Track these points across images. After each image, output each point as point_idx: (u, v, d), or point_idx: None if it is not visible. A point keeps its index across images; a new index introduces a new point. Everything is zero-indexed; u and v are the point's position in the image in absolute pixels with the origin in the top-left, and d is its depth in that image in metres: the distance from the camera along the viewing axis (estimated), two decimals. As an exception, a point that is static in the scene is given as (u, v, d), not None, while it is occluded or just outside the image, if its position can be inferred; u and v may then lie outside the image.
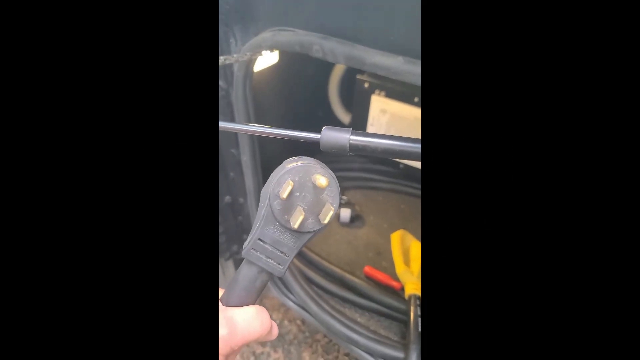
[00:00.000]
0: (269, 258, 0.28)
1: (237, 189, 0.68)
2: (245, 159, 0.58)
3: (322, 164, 0.27)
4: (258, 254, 0.28)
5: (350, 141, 0.28)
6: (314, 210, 0.27)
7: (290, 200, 0.27)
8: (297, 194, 0.27)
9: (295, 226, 0.27)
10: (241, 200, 0.69)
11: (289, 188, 0.26)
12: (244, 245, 0.29)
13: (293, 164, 0.27)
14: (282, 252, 0.28)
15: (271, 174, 0.27)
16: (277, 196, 0.26)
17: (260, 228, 0.28)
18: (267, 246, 0.28)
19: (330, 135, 0.28)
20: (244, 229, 0.75)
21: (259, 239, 0.28)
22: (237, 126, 0.33)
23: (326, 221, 0.27)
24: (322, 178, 0.25)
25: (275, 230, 0.28)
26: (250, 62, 0.47)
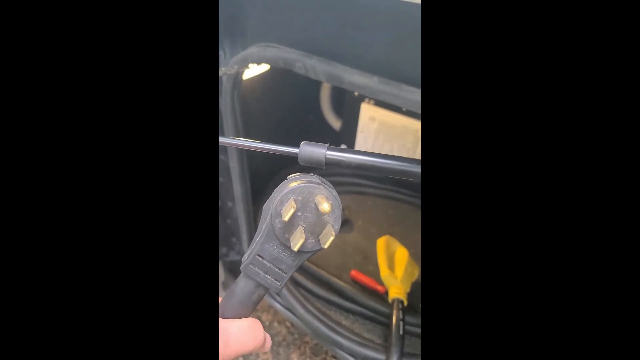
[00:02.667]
0: (267, 274, 0.28)
1: (225, 194, 0.69)
2: (234, 165, 0.60)
3: (327, 183, 0.27)
4: (256, 269, 0.28)
5: (326, 156, 0.29)
6: (315, 230, 0.27)
7: (291, 219, 0.26)
8: (299, 213, 0.26)
9: (295, 249, 0.26)
10: (229, 204, 0.71)
11: (292, 210, 0.26)
12: (242, 259, 0.29)
13: (297, 183, 0.27)
14: (280, 269, 0.28)
15: (274, 190, 0.27)
16: (279, 215, 0.26)
17: (260, 244, 0.28)
18: (265, 262, 0.28)
19: (307, 150, 0.29)
20: (232, 232, 0.77)
21: (258, 255, 0.28)
22: (219, 139, 0.35)
23: (326, 245, 0.27)
24: (325, 203, 0.25)
25: (275, 247, 0.28)
26: (238, 75, 0.48)
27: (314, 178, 0.27)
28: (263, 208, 0.28)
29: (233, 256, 0.81)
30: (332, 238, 0.26)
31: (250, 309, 0.30)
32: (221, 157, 0.64)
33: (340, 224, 0.27)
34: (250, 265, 0.28)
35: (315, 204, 0.26)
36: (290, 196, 0.26)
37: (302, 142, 0.30)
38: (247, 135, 0.62)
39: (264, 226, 0.28)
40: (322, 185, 0.27)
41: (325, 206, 0.25)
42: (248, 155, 0.62)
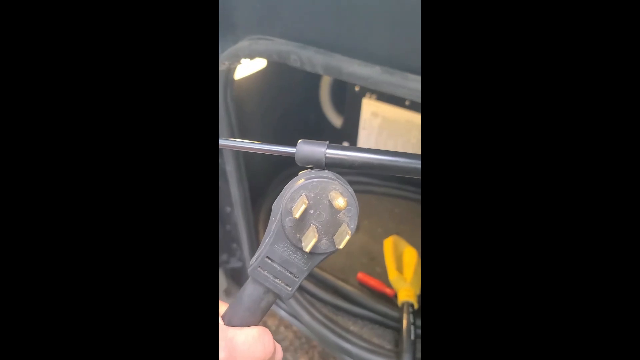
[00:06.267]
0: (277, 278, 0.26)
1: (223, 198, 0.67)
2: (230, 168, 0.57)
3: (342, 178, 0.25)
4: (265, 273, 0.26)
5: (327, 155, 0.26)
6: (329, 230, 0.25)
7: (303, 218, 0.24)
8: (312, 211, 0.24)
9: (307, 249, 0.24)
10: (228, 209, 0.68)
11: (303, 207, 0.24)
12: (250, 262, 0.27)
13: (309, 178, 0.25)
14: (291, 273, 0.26)
15: (285, 187, 0.25)
16: (290, 213, 0.24)
17: (270, 245, 0.26)
18: (275, 265, 0.26)
19: (305, 150, 0.27)
20: (232, 238, 0.74)
21: (267, 257, 0.26)
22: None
23: (341, 246, 0.24)
24: (340, 199, 0.23)
25: (286, 248, 0.26)
26: (230, 71, 0.46)
27: (328, 173, 0.25)
28: (273, 206, 0.26)
29: (234, 263, 0.78)
30: (347, 238, 0.24)
31: (259, 317, 0.28)
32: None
33: (356, 223, 0.25)
34: (258, 269, 0.26)
35: (329, 200, 0.24)
36: (302, 192, 0.24)
37: (300, 141, 0.27)
38: (244, 136, 0.60)
39: (273, 226, 0.26)
40: (337, 181, 0.25)
41: (340, 202, 0.23)
42: (245, 158, 0.59)
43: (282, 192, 0.25)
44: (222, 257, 0.77)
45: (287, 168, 0.92)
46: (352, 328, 0.71)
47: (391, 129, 0.92)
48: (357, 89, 0.93)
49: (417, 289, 0.72)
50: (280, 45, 0.39)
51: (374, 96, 0.91)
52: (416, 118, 0.87)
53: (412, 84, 0.32)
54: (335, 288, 0.76)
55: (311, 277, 0.79)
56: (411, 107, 0.87)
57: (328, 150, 0.26)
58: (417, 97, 0.33)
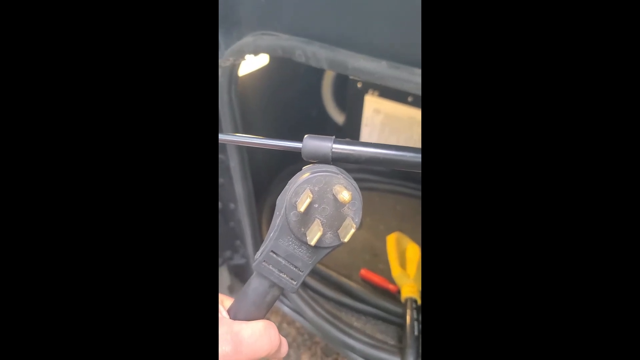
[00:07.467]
0: (282, 272, 0.27)
1: (227, 195, 0.67)
2: (234, 164, 0.57)
3: (345, 173, 0.25)
4: (270, 267, 0.27)
5: (333, 150, 0.27)
6: (334, 224, 0.25)
7: (308, 212, 0.25)
8: (316, 205, 0.25)
9: (312, 243, 0.24)
10: (232, 206, 0.68)
11: (308, 201, 0.24)
12: (255, 256, 0.27)
13: (313, 172, 0.25)
14: (296, 267, 0.27)
15: (289, 181, 0.26)
16: (294, 207, 0.24)
17: (274, 239, 0.26)
18: (280, 259, 0.26)
19: (312, 144, 0.27)
20: (236, 235, 0.74)
21: (272, 251, 0.26)
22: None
23: (346, 239, 0.24)
24: (345, 192, 0.23)
25: (290, 242, 0.26)
26: (234, 68, 0.45)
27: (332, 168, 0.25)
28: (277, 201, 0.26)
29: (238, 259, 0.78)
30: (352, 231, 0.24)
31: (264, 311, 0.29)
32: (221, 156, 0.61)
33: (361, 217, 0.25)
34: (263, 263, 0.27)
35: (333, 194, 0.24)
36: (306, 186, 0.24)
37: (306, 136, 0.27)
38: (247, 133, 0.59)
39: (278, 220, 0.26)
40: (341, 175, 0.25)
41: (344, 195, 0.23)
42: (249, 154, 0.60)
43: (287, 186, 0.25)
44: (226, 254, 0.77)
45: (291, 164, 0.92)
46: (355, 324, 0.71)
47: (393, 126, 0.92)
48: (359, 85, 0.93)
49: (420, 285, 0.72)
50: (285, 40, 0.39)
51: (376, 93, 0.91)
52: (418, 114, 0.87)
53: (418, 79, 0.32)
54: (339, 284, 0.76)
55: (314, 273, 0.79)
56: (413, 103, 0.87)
57: (334, 145, 0.26)
58: (423, 92, 0.33)
